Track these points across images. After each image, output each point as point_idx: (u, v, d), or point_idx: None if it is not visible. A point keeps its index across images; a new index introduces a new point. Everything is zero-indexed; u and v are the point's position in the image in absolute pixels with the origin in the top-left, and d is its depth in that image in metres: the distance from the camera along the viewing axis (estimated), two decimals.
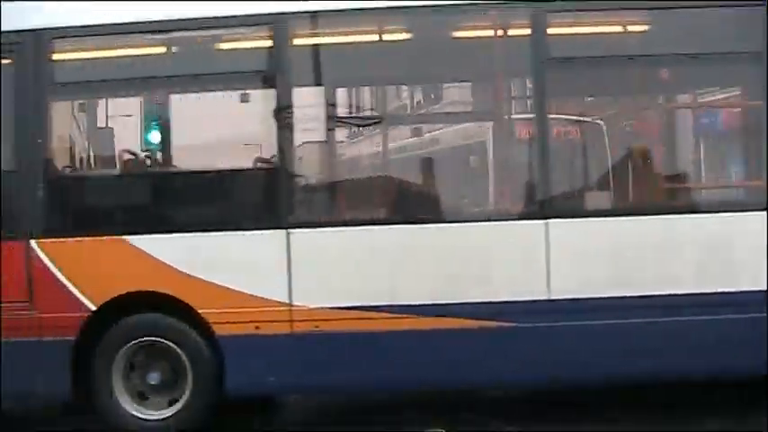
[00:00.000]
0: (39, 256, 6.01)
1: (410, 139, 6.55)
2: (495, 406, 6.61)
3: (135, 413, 6.07)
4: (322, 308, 5.83)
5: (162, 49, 6.34)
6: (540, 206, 5.87)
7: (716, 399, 6.23)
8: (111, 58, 6.28)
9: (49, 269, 6.00)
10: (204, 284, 5.87)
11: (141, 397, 6.10)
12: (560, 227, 5.79)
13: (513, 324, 5.75)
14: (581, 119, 6.59)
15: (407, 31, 6.38)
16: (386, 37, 6.32)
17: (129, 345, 6.03)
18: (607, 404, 6.35)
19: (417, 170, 6.36)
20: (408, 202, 6.27)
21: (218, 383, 5.94)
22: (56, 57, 6.12)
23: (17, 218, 6.09)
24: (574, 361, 5.76)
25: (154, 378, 6.08)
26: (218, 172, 6.25)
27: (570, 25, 6.05)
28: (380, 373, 5.87)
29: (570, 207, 6.06)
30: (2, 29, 5.98)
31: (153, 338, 6.03)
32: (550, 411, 6.43)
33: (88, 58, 6.30)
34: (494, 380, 6.01)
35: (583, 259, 5.78)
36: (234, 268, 5.88)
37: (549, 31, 5.87)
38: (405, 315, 5.78)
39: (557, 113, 6.13)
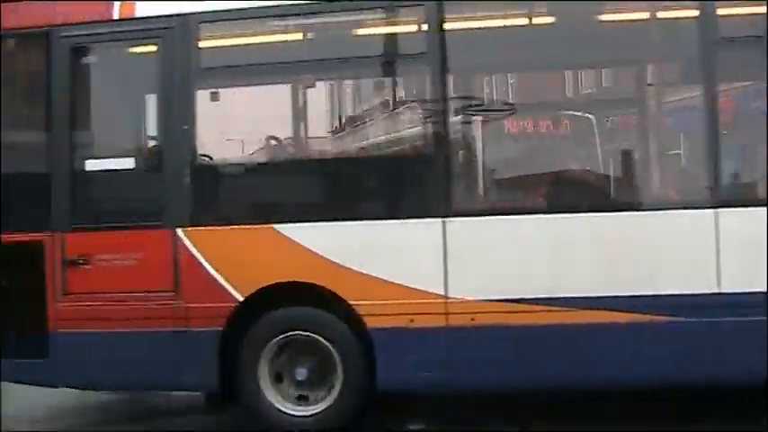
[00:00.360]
0: (185, 245, 5.88)
1: (566, 126, 6.27)
2: (495, 406, 6.37)
3: (282, 408, 5.90)
4: (478, 300, 5.57)
5: (308, 34, 6.15)
6: (710, 194, 5.54)
7: (716, 399, 5.95)
8: (258, 43, 6.13)
9: (195, 258, 5.86)
10: (356, 275, 5.66)
11: (287, 391, 5.93)
12: (731, 216, 5.46)
13: (679, 318, 5.41)
14: (752, 103, 6.23)
15: (554, 15, 6.12)
16: (536, 21, 6.07)
17: (278, 338, 5.86)
18: (607, 404, 6.15)
19: (576, 157, 6.09)
20: (568, 190, 5.99)
21: (369, 379, 5.72)
22: (203, 41, 5.99)
23: (163, 206, 5.98)
24: (739, 360, 5.41)
25: (301, 373, 5.89)
26: (371, 159, 6.06)
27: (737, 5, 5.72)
28: (538, 369, 5.58)
29: (741, 195, 5.73)
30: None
31: (302, 332, 5.84)
32: (550, 411, 6.27)
33: (236, 44, 6.16)
34: (655, 378, 5.61)
35: (755, 250, 5.44)
36: (388, 258, 5.66)
37: (720, 11, 5.55)
38: (564, 308, 5.48)
39: (724, 97, 5.78)
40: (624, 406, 6.13)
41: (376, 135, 6.11)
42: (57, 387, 6.30)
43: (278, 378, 5.93)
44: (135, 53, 6.33)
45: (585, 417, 6.05)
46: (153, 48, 6.08)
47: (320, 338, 5.81)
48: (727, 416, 5.86)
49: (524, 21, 6.07)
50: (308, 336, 5.83)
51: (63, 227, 6.04)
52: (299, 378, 5.90)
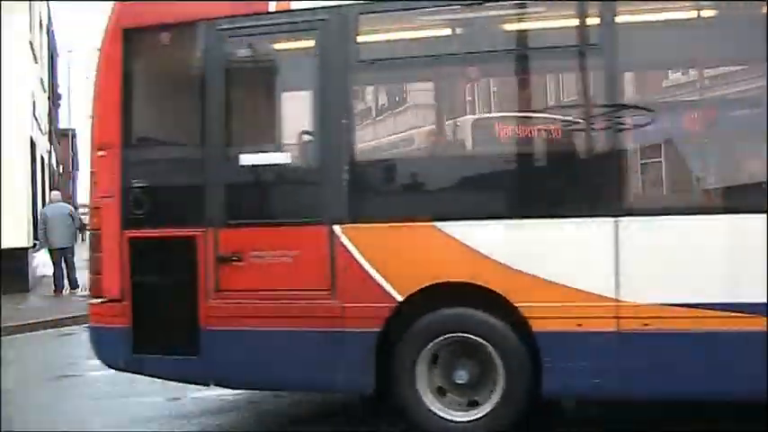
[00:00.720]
0: (343, 243, 5.71)
1: (737, 123, 5.87)
2: None
3: (439, 413, 5.69)
4: (652, 304, 5.29)
5: (471, 27, 5.92)
6: None
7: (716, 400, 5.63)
8: (417, 36, 5.95)
9: (353, 257, 5.69)
10: (522, 276, 5.43)
11: (444, 396, 5.73)
12: None
13: None
14: None
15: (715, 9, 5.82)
16: (703, 14, 5.78)
17: (437, 340, 5.66)
18: (608, 404, 6.02)
19: (748, 155, 5.73)
20: (749, 189, 5.60)
21: (532, 385, 5.50)
22: (361, 34, 5.82)
23: (319, 202, 5.83)
24: None
25: (461, 377, 5.67)
26: (537, 155, 5.82)
27: None
28: (717, 380, 5.26)
29: None
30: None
31: (464, 334, 5.63)
32: (551, 412, 6.14)
33: (395, 37, 6.00)
34: None
35: None
36: (555, 259, 5.42)
37: None
38: (746, 315, 5.16)
39: None
40: (623, 406, 6.01)
41: (542, 131, 5.81)
42: (207, 385, 6.23)
43: (434, 381, 5.73)
44: (291, 47, 6.22)
45: (584, 418, 5.95)
46: (310, 41, 5.95)
47: (482, 341, 5.59)
48: (727, 416, 5.74)
49: (694, 13, 5.81)
50: (468, 338, 5.62)
51: (217, 223, 5.95)
52: (459, 381, 5.69)
